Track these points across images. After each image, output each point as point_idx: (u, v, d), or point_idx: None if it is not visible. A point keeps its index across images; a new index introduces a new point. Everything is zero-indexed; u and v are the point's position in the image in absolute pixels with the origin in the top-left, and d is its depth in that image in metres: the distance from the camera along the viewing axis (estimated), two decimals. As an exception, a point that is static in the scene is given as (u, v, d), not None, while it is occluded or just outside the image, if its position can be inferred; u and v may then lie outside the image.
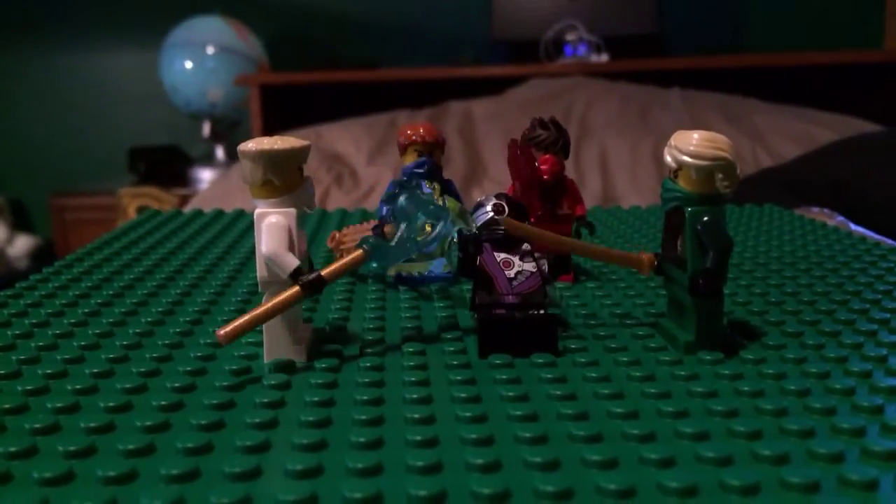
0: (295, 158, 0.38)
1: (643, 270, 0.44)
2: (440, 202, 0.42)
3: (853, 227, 0.87)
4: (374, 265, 0.56)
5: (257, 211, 0.38)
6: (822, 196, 1.12)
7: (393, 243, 0.42)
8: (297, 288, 0.38)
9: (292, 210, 0.38)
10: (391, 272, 0.55)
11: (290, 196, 0.38)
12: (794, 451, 0.29)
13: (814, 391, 0.35)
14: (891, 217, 1.01)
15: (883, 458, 0.29)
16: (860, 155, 1.24)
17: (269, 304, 0.38)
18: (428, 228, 0.42)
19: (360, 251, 0.41)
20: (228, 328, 0.38)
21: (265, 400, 0.34)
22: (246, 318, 0.38)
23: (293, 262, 0.38)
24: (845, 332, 0.43)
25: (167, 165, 2.31)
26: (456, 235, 0.44)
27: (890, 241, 0.71)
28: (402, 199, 0.42)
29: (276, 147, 0.37)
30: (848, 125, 1.61)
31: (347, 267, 0.40)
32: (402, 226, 0.42)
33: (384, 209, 0.52)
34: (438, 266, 0.55)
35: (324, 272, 0.39)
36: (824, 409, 0.33)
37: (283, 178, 0.38)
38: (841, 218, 0.94)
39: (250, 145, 0.37)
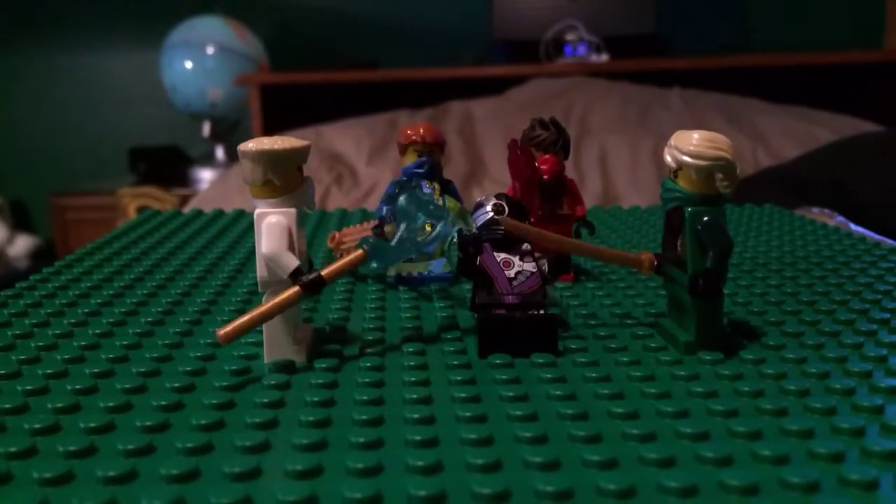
0: (295, 158, 0.38)
1: (643, 270, 0.44)
2: (440, 202, 0.42)
3: (853, 227, 0.87)
4: (374, 265, 0.56)
5: (257, 211, 0.38)
6: (822, 196, 1.12)
7: (393, 243, 0.42)
8: (297, 288, 0.38)
9: (292, 210, 0.38)
10: (391, 272, 0.55)
11: (290, 196, 0.38)
12: (794, 451, 0.29)
13: (814, 391, 0.35)
14: (891, 217, 1.01)
15: (883, 458, 0.29)
16: (860, 155, 1.24)
17: (269, 304, 0.38)
18: (428, 228, 0.42)
19: (360, 251, 0.41)
20: (228, 328, 0.38)
21: (265, 400, 0.34)
22: (246, 318, 0.38)
23: (293, 262, 0.38)
24: (845, 332, 0.43)
25: (167, 165, 2.31)
26: (456, 235, 0.44)
27: (890, 241, 0.71)
28: (402, 199, 0.42)
29: (276, 147, 0.37)
30: (848, 125, 1.61)
31: (347, 267, 0.40)
32: (402, 226, 0.42)
33: (384, 209, 0.52)
34: (438, 266, 0.55)
35: (324, 272, 0.39)
36: (824, 409, 0.33)
37: (283, 178, 0.38)
38: (841, 218, 0.94)
39: (250, 145, 0.37)
